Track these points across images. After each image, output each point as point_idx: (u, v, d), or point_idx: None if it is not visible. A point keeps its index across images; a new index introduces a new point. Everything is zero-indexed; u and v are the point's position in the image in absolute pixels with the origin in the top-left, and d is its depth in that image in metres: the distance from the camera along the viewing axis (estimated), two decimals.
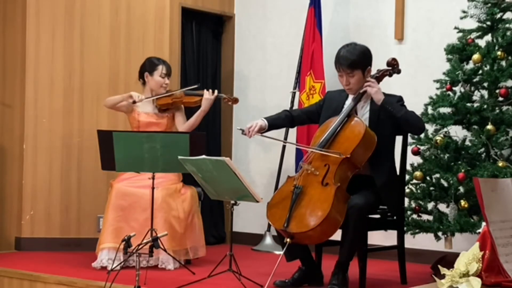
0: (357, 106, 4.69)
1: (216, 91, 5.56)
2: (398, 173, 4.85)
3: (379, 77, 4.73)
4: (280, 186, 4.74)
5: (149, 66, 5.57)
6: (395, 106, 4.57)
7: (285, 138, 6.01)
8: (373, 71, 4.76)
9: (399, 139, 4.86)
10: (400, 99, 4.67)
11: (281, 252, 4.38)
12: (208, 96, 5.50)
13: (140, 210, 5.18)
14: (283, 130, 5.91)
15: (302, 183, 4.51)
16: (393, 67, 4.77)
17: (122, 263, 4.84)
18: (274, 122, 4.85)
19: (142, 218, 5.14)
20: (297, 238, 4.37)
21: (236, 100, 5.70)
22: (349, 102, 4.74)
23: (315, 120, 4.87)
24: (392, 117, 4.57)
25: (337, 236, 4.55)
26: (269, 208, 4.58)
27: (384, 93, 4.65)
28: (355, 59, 4.64)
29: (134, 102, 5.44)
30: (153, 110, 5.55)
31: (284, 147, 6.24)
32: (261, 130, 4.77)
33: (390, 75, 4.78)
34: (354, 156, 4.48)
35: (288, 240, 4.35)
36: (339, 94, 4.86)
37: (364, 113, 4.69)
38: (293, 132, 6.04)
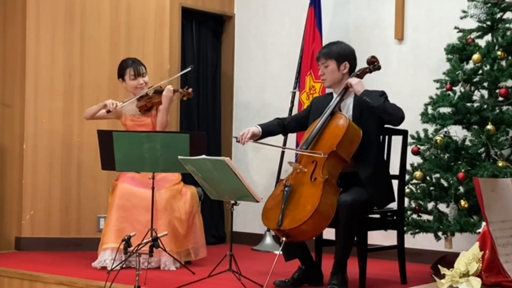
0: (341, 105, 4.74)
1: (171, 87, 5.35)
2: (398, 171, 4.86)
3: (359, 75, 4.78)
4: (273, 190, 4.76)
5: (119, 71, 5.54)
6: (373, 97, 4.59)
7: (285, 143, 6.00)
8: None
9: (399, 139, 4.86)
10: (382, 93, 4.69)
11: (280, 252, 4.38)
12: (166, 93, 5.33)
13: (144, 211, 5.17)
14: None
15: (291, 182, 4.55)
16: (373, 64, 4.84)
17: (123, 263, 4.84)
18: (268, 129, 4.88)
19: (145, 219, 5.12)
20: (292, 235, 4.38)
21: (190, 94, 5.37)
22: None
23: (305, 126, 4.88)
24: (370, 109, 4.59)
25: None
26: (263, 213, 4.61)
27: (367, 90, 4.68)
28: (332, 49, 4.77)
29: (109, 111, 5.39)
30: (136, 112, 5.50)
31: None
32: (254, 137, 4.79)
33: (370, 72, 4.84)
34: (340, 150, 4.52)
35: (283, 239, 4.36)
36: (325, 97, 4.94)
37: (347, 110, 4.73)
38: (292, 135, 6.02)
